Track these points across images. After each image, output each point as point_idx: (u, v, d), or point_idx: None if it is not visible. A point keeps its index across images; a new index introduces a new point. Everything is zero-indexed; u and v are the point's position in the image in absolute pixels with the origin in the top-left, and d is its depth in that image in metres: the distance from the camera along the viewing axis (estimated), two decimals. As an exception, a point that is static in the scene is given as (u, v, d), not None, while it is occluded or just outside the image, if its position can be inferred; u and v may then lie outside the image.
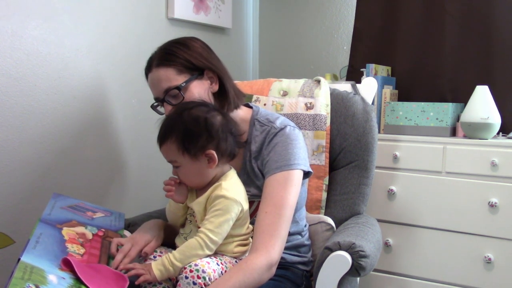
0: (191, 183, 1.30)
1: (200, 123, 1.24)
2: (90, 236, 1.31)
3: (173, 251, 1.21)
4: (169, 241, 1.36)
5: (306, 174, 1.39)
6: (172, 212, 1.34)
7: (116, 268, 1.22)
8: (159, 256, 1.27)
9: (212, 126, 1.25)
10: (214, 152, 1.24)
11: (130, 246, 1.28)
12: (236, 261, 1.26)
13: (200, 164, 1.25)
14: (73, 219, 1.34)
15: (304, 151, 1.39)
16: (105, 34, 1.86)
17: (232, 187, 1.26)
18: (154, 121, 1.33)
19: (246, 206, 1.28)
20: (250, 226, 1.33)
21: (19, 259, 1.09)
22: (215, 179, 1.28)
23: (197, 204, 1.26)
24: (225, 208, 1.22)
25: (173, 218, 1.36)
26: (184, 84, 1.34)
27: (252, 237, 1.31)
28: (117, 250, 1.29)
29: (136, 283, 1.19)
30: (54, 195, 1.45)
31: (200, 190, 1.30)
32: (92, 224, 1.37)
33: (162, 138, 1.26)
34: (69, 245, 1.22)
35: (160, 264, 1.19)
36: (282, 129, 1.39)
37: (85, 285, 1.11)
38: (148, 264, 1.21)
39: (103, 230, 1.37)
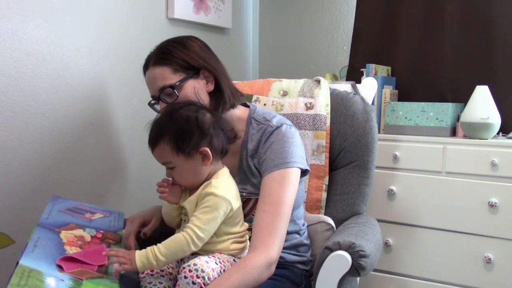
0: (186, 183, 1.30)
1: (191, 121, 1.25)
2: (88, 238, 1.31)
3: (159, 244, 1.19)
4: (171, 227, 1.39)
5: (304, 172, 1.39)
6: (167, 213, 1.34)
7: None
8: None
9: (204, 124, 1.25)
10: (208, 149, 1.25)
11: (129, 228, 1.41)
12: (234, 260, 1.26)
13: (195, 163, 1.26)
14: (71, 222, 1.34)
15: (301, 149, 1.40)
16: (105, 34, 1.86)
17: (222, 185, 1.26)
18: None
19: (236, 204, 1.27)
20: (246, 223, 1.34)
21: (17, 263, 1.09)
22: (208, 178, 1.28)
23: (188, 203, 1.27)
24: (213, 205, 1.21)
25: (168, 219, 1.36)
26: (179, 83, 1.35)
27: (248, 234, 1.31)
28: None
29: (114, 271, 1.18)
30: (53, 197, 1.44)
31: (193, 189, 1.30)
32: (91, 226, 1.36)
33: (154, 141, 1.26)
34: (67, 248, 1.22)
35: (144, 256, 1.17)
36: (278, 127, 1.39)
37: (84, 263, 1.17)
38: (132, 252, 1.19)
39: (102, 231, 1.36)
